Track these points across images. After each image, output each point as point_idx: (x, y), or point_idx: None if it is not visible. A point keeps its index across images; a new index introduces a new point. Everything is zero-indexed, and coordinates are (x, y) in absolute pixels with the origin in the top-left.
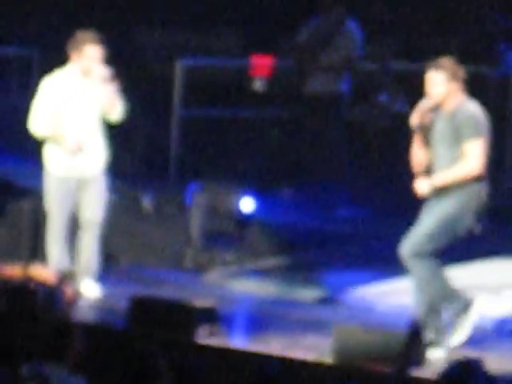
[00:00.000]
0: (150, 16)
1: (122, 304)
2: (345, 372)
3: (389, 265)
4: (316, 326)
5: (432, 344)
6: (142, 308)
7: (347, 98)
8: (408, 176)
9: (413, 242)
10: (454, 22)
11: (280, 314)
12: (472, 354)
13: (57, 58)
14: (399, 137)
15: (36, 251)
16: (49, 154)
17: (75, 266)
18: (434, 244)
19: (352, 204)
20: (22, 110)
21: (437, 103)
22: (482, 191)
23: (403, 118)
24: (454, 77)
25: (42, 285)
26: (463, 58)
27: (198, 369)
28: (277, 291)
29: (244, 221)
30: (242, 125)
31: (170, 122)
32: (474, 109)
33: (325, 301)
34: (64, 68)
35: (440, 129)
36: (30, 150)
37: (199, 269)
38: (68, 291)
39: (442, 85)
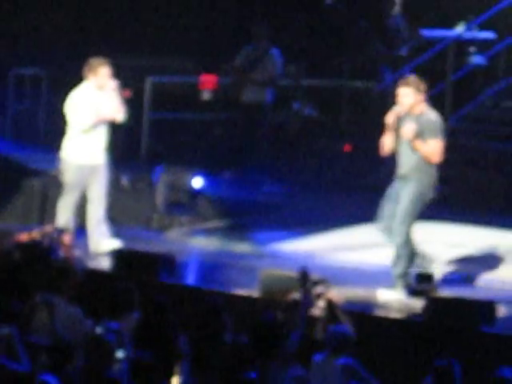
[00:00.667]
0: (125, 44)
1: (106, 254)
2: (267, 302)
3: (301, 227)
4: (248, 271)
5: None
6: (121, 257)
7: (270, 105)
8: (313, 164)
9: (397, 220)
10: (347, 49)
11: (222, 262)
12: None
13: (60, 77)
14: (308, 134)
15: (44, 219)
16: (70, 147)
17: (89, 232)
18: (412, 218)
19: (273, 182)
20: (34, 113)
21: (406, 110)
22: (436, 173)
23: (311, 120)
24: (418, 90)
25: (45, 239)
26: (355, 76)
27: (162, 302)
28: (220, 245)
29: (195, 194)
30: (194, 124)
31: (142, 122)
32: (433, 116)
33: (254, 252)
34: (82, 84)
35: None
36: (41, 142)
37: (163, 229)
38: (65, 243)
39: (410, 96)
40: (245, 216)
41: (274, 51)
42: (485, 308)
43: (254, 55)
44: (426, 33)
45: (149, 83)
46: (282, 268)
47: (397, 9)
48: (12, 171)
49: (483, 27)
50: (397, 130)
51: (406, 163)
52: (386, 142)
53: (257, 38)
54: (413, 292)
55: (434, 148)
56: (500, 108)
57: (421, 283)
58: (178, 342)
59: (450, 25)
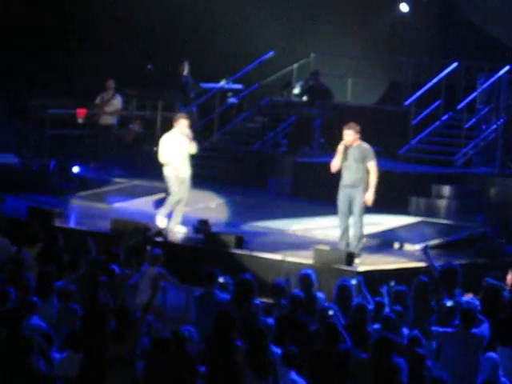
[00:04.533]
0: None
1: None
2: (117, 236)
3: (134, 194)
4: (105, 219)
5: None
6: (33, 211)
7: (116, 126)
8: (140, 157)
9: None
10: (162, 93)
11: (91, 213)
12: None
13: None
14: (137, 142)
15: None
16: (167, 168)
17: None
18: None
19: (118, 169)
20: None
21: (349, 143)
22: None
23: (139, 134)
24: (356, 131)
25: None
26: (165, 109)
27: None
28: (89, 204)
29: (75, 175)
30: (74, 136)
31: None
32: (367, 145)
33: (108, 208)
34: (171, 131)
35: (351, 153)
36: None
37: (58, 195)
38: None
39: (351, 135)
40: (103, 187)
41: (118, 95)
42: (236, 238)
43: (107, 97)
44: (204, 85)
45: (49, 115)
46: (125, 217)
47: (186, 72)
48: None
49: (235, 82)
50: (344, 154)
51: (350, 177)
52: (336, 163)
53: (108, 88)
54: (196, 231)
55: (375, 168)
56: (245, 127)
57: (201, 225)
58: (64, 258)
59: (217, 80)
